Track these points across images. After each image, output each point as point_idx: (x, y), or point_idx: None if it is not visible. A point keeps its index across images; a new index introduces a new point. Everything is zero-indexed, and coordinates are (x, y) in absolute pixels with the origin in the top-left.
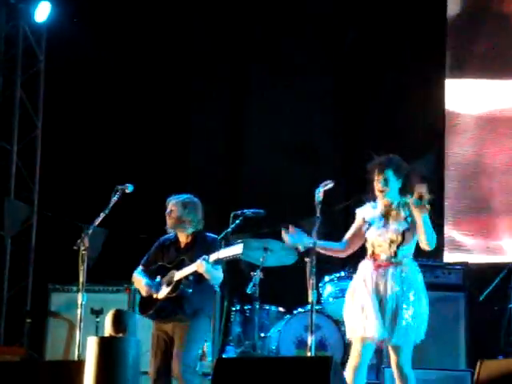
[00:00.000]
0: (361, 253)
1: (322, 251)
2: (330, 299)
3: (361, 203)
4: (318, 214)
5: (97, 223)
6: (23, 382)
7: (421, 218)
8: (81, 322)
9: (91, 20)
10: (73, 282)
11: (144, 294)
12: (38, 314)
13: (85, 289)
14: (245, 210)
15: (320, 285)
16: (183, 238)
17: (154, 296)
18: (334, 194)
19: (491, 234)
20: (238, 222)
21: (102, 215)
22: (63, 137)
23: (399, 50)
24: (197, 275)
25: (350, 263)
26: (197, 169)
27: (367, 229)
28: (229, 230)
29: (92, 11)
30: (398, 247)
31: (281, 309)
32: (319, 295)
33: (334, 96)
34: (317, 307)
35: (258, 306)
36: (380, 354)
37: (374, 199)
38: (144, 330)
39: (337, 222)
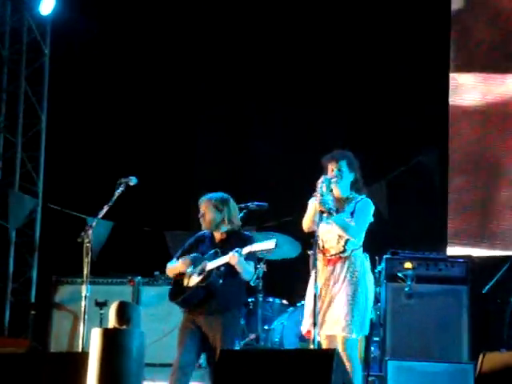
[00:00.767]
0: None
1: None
2: None
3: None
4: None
5: (101, 216)
6: (28, 373)
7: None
8: (85, 314)
9: (96, 13)
10: (77, 274)
11: (182, 269)
12: (43, 306)
13: (89, 281)
14: (249, 204)
15: None
16: (218, 235)
17: (185, 283)
18: None
19: (494, 227)
20: (241, 215)
21: (106, 208)
22: (67, 129)
23: (403, 44)
24: (229, 267)
25: None
26: (202, 161)
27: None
28: None
29: (96, 4)
30: (346, 242)
31: (284, 301)
32: None
33: (336, 90)
34: None
35: (261, 299)
36: (383, 346)
37: None
38: (152, 321)
39: None
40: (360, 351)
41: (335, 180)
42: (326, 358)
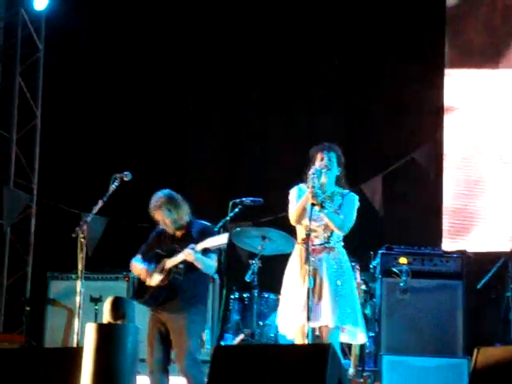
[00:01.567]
0: (358, 241)
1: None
2: None
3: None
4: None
5: (95, 211)
6: (22, 369)
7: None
8: (80, 309)
9: (90, 8)
10: (72, 269)
11: (143, 277)
12: (37, 302)
13: (84, 277)
14: (243, 199)
15: None
16: (178, 231)
17: (147, 283)
18: None
19: (489, 222)
20: (236, 210)
21: (101, 203)
22: (62, 125)
23: (398, 40)
24: (188, 264)
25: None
26: (196, 157)
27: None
28: (227, 218)
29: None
30: (331, 233)
31: (279, 297)
32: None
33: (332, 85)
34: None
35: (256, 294)
36: (378, 341)
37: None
38: (143, 317)
39: None
40: (355, 347)
41: (325, 170)
42: (321, 352)
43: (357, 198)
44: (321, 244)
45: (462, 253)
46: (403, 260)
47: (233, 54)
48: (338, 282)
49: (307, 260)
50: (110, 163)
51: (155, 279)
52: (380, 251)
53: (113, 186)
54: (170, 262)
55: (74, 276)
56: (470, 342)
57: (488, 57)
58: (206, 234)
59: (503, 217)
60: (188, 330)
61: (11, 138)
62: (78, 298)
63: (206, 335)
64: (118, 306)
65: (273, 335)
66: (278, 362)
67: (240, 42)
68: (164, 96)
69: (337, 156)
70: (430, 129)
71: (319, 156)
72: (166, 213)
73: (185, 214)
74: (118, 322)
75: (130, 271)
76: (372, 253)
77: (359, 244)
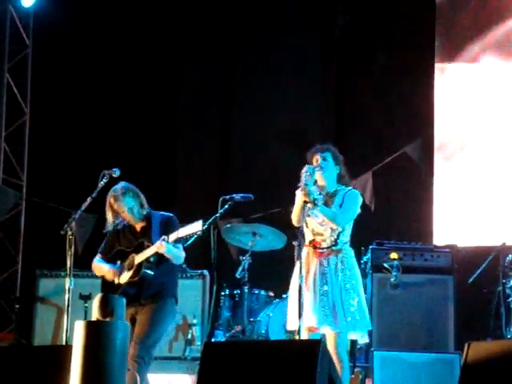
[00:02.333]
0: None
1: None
2: None
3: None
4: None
5: (84, 208)
6: (12, 367)
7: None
8: (69, 307)
9: (78, 5)
10: (61, 267)
11: (110, 277)
12: (26, 300)
13: (73, 274)
14: (234, 195)
15: None
16: (138, 224)
17: (116, 281)
18: None
19: (480, 217)
20: (226, 206)
21: (89, 200)
22: (51, 122)
23: (388, 35)
24: (158, 256)
25: None
26: (185, 153)
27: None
28: (218, 214)
29: None
30: (338, 235)
31: (270, 293)
32: None
33: (322, 81)
34: None
35: (247, 291)
36: (370, 337)
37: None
38: None
39: None
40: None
41: (319, 169)
42: (311, 349)
43: (358, 194)
44: (328, 247)
45: (453, 248)
46: (394, 255)
47: (222, 46)
48: (347, 286)
49: (299, 257)
50: (99, 160)
51: (124, 276)
52: (371, 246)
53: (102, 183)
54: (139, 257)
55: (63, 273)
56: (461, 337)
57: (477, 52)
58: (171, 224)
59: (494, 212)
60: (152, 318)
61: (0, 135)
62: (67, 296)
63: (196, 332)
64: (106, 303)
65: (263, 331)
66: (269, 359)
67: (235, 42)
68: (153, 93)
69: (332, 155)
70: (421, 124)
71: (314, 158)
72: (129, 200)
73: (145, 201)
74: (107, 319)
75: None
76: (363, 248)
77: (350, 239)
